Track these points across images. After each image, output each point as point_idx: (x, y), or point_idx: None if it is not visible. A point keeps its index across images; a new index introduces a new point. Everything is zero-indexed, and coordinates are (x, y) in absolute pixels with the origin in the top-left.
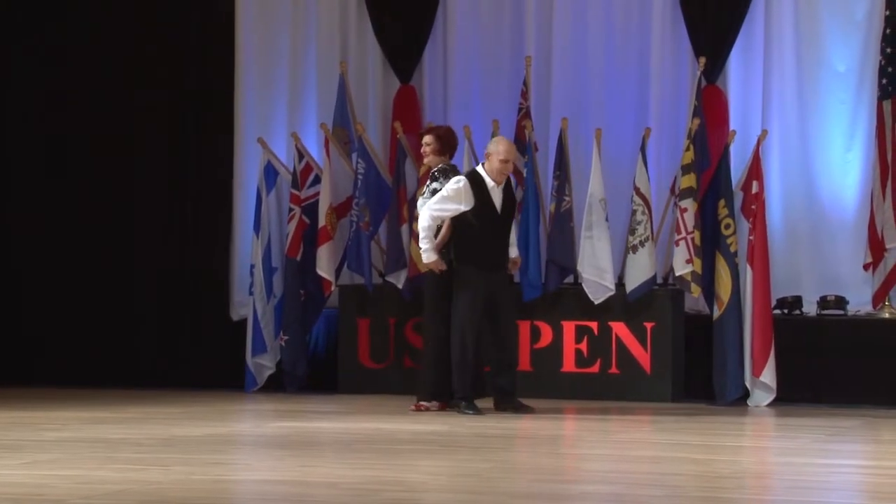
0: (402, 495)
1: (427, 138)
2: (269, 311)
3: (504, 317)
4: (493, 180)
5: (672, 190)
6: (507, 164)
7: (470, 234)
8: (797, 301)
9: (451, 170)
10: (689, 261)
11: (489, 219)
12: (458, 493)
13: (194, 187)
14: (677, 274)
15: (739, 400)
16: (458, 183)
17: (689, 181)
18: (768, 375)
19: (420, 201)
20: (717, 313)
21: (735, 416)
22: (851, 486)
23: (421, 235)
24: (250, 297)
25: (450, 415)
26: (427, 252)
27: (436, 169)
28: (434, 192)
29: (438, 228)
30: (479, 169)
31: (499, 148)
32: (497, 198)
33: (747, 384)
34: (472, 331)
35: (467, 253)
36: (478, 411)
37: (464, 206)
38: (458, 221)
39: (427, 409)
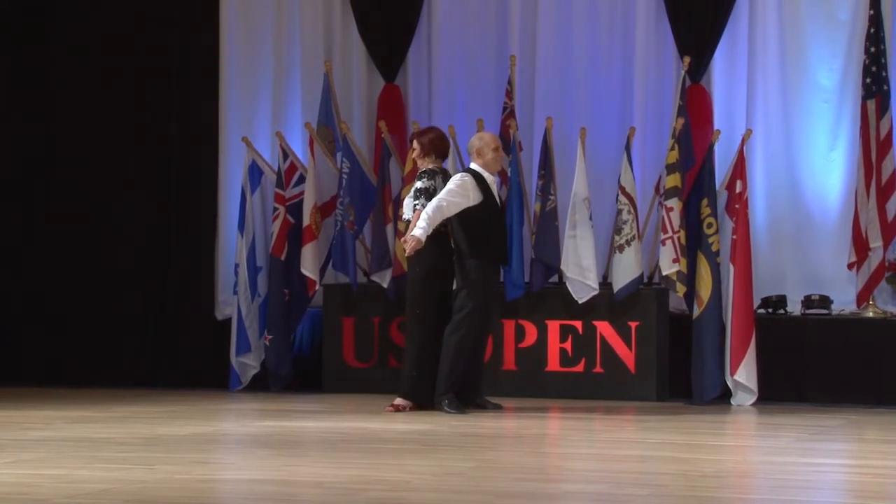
0: (387, 494)
1: (414, 143)
2: (253, 310)
3: (494, 315)
4: (490, 173)
5: (657, 189)
6: (498, 150)
7: (480, 229)
8: (781, 300)
9: (440, 171)
10: (676, 260)
11: (495, 212)
12: (442, 493)
13: (179, 186)
14: (664, 273)
15: (723, 399)
16: (462, 178)
17: (674, 181)
18: (744, 374)
19: (406, 200)
20: (696, 312)
21: (719, 415)
22: (835, 485)
23: (423, 215)
24: (235, 297)
25: (433, 414)
26: (422, 231)
27: (422, 170)
28: (418, 190)
29: (436, 233)
30: (474, 166)
31: (485, 139)
32: (495, 192)
33: (729, 383)
34: (478, 329)
35: (480, 248)
36: (461, 410)
37: (471, 201)
38: (466, 218)
39: (403, 409)
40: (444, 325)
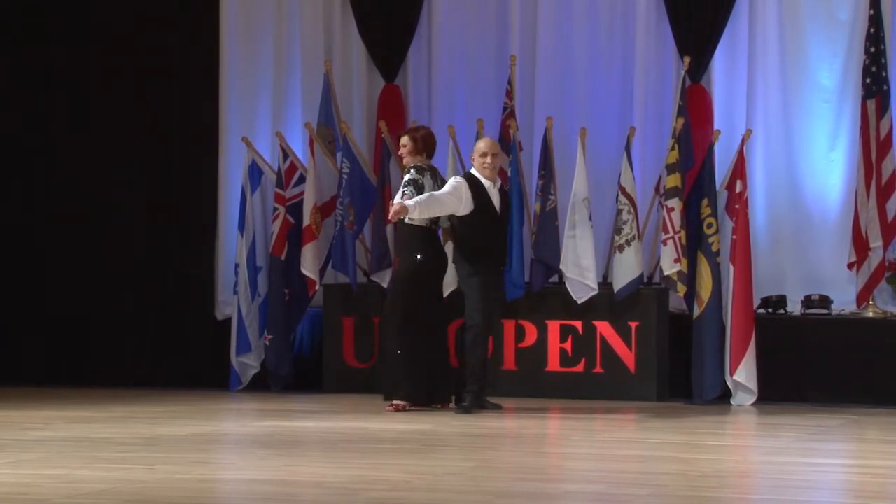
0: (387, 494)
1: (403, 139)
2: (253, 310)
3: (495, 316)
4: (485, 178)
5: (657, 189)
6: (486, 157)
7: (475, 233)
8: (781, 300)
9: (428, 168)
10: (678, 260)
11: (492, 217)
12: (443, 493)
13: (179, 186)
14: (665, 273)
15: (723, 399)
16: (456, 180)
17: (674, 181)
18: (743, 374)
19: (396, 198)
20: (696, 312)
21: (719, 415)
22: (835, 485)
23: (418, 196)
24: (235, 297)
25: (434, 414)
26: (413, 203)
27: (412, 165)
28: (407, 181)
29: (427, 231)
30: (473, 170)
31: (477, 145)
32: (495, 197)
33: (729, 384)
34: (485, 327)
35: (476, 250)
36: (470, 411)
37: (462, 208)
38: (462, 224)
39: (403, 409)
40: (436, 325)
